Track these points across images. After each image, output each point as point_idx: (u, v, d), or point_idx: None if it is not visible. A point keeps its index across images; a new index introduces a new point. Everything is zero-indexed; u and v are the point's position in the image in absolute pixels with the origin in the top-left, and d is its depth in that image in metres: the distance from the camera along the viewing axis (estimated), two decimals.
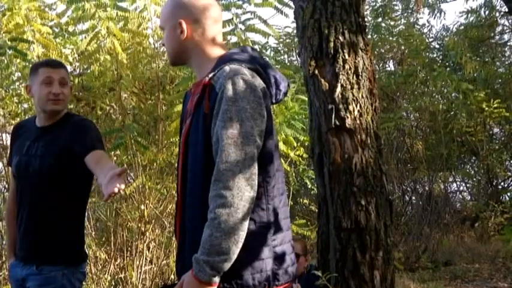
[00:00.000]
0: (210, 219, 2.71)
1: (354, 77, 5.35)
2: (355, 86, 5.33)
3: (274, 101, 3.05)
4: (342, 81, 5.30)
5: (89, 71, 7.49)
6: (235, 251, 2.71)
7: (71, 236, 4.21)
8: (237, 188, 2.69)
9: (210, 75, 2.92)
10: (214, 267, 2.69)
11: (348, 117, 5.24)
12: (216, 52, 3.07)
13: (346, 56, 5.37)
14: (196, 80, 3.18)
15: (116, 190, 3.31)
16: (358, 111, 5.28)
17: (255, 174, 2.76)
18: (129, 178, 7.93)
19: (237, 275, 2.81)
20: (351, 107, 5.26)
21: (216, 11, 3.14)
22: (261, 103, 2.85)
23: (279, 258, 2.92)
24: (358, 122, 5.27)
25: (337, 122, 5.24)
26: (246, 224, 2.73)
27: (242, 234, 2.72)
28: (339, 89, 5.27)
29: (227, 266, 2.72)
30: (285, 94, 3.14)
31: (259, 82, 2.91)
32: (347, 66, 5.35)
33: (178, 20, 3.07)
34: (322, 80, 5.36)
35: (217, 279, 2.73)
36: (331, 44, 5.37)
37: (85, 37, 7.42)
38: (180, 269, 3.04)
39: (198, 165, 2.91)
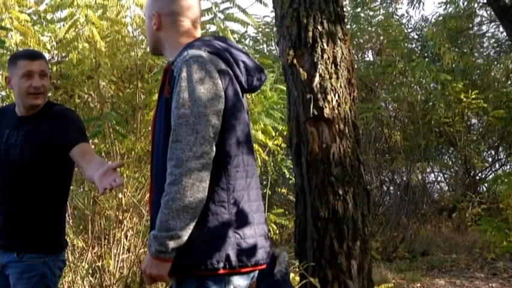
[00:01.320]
0: (162, 196, 2.77)
1: (333, 66, 5.37)
2: (334, 76, 5.35)
3: (247, 87, 3.04)
4: (321, 70, 5.32)
5: (67, 59, 7.43)
6: (185, 229, 2.75)
7: (52, 224, 4.20)
8: (186, 167, 2.72)
9: (171, 60, 2.95)
10: (161, 243, 2.75)
11: (326, 107, 5.26)
12: (183, 43, 3.08)
13: (325, 46, 5.39)
14: None
15: (113, 186, 3.36)
16: (337, 101, 5.30)
17: (207, 153, 2.77)
18: None
19: (195, 251, 2.83)
20: (329, 97, 5.28)
21: (191, 3, 3.14)
22: (216, 83, 2.86)
23: (244, 240, 2.92)
24: (336, 111, 5.29)
25: (315, 112, 5.26)
26: (198, 203, 2.76)
27: (193, 213, 2.75)
28: (317, 79, 5.29)
29: (175, 243, 2.76)
30: (260, 81, 3.13)
31: (217, 64, 2.91)
32: (325, 56, 5.37)
33: (153, 11, 3.11)
34: (301, 70, 5.38)
35: (167, 256, 2.78)
36: (310, 34, 5.39)
37: (63, 25, 7.36)
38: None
39: (160, 149, 2.94)
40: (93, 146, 7.34)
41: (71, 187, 6.86)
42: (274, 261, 3.08)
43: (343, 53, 5.47)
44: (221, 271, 2.85)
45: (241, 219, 2.93)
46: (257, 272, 3.00)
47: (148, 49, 7.69)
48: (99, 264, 7.01)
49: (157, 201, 2.88)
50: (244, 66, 3.02)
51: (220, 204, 2.87)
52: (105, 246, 7.12)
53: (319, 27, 5.42)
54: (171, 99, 2.86)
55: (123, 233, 7.08)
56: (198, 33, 3.18)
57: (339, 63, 5.39)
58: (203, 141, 2.76)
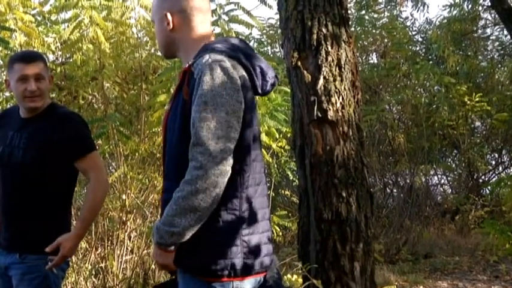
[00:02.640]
0: (175, 191, 2.78)
1: (337, 69, 5.38)
2: (338, 78, 5.35)
3: (261, 92, 3.04)
4: (325, 73, 5.33)
5: (71, 60, 7.45)
6: (188, 229, 2.76)
7: (54, 225, 4.19)
8: (204, 170, 2.72)
9: (190, 62, 2.93)
10: (161, 236, 2.80)
11: (330, 109, 5.26)
12: (202, 41, 3.06)
13: (329, 48, 5.40)
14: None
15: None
16: (341, 103, 5.30)
17: (226, 159, 2.76)
18: (111, 168, 7.93)
19: (202, 256, 2.86)
20: (333, 99, 5.29)
21: (202, 1, 3.12)
22: (238, 90, 2.85)
23: (250, 248, 2.92)
24: (340, 114, 5.29)
25: (319, 114, 5.26)
26: (207, 208, 2.76)
27: (200, 215, 2.75)
28: (321, 81, 5.30)
29: (174, 239, 2.79)
30: (273, 85, 3.12)
31: (238, 71, 2.91)
32: (330, 58, 5.37)
33: (164, 12, 3.07)
34: (305, 72, 5.38)
35: (167, 248, 2.84)
36: (314, 36, 5.39)
37: (68, 26, 7.38)
38: None
39: (173, 150, 2.95)
40: (97, 148, 7.39)
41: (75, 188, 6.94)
42: (272, 258, 3.08)
43: (347, 56, 5.48)
44: (225, 279, 2.86)
45: (250, 228, 2.94)
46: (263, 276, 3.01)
47: (153, 50, 7.78)
48: (103, 265, 7.02)
49: (167, 201, 2.89)
50: (261, 71, 3.02)
51: (232, 212, 2.88)
52: (109, 248, 7.13)
53: (323, 30, 5.43)
54: (189, 101, 2.85)
55: (126, 234, 7.10)
56: (210, 30, 3.17)
57: (343, 66, 5.40)
58: (224, 147, 2.76)
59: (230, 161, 2.78)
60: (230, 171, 2.79)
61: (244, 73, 2.94)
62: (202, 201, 2.73)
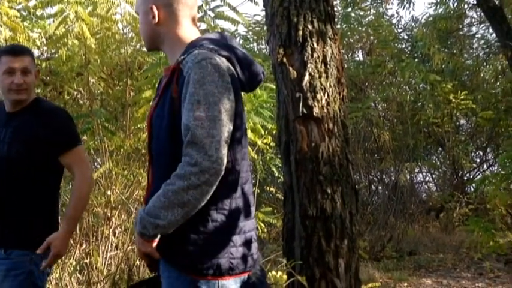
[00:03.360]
0: (164, 183, 2.77)
1: (322, 65, 5.38)
2: (323, 75, 5.35)
3: (247, 88, 3.05)
4: (310, 69, 5.32)
5: (56, 55, 7.42)
6: (172, 224, 2.76)
7: (40, 221, 4.17)
8: (199, 167, 2.70)
9: (179, 59, 2.91)
10: (145, 226, 2.79)
11: (315, 105, 5.26)
12: (189, 37, 3.05)
13: (315, 45, 5.39)
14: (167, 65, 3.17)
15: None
16: (326, 100, 5.30)
17: (221, 159, 2.75)
18: (95, 164, 7.91)
19: (189, 254, 2.84)
20: (318, 96, 5.28)
21: None
22: (229, 88, 2.84)
23: (237, 248, 2.92)
24: (325, 110, 5.29)
25: (305, 111, 5.26)
26: (195, 205, 2.75)
27: (187, 211, 2.74)
28: (306, 78, 5.30)
29: (157, 231, 2.80)
30: (259, 82, 3.13)
31: (228, 67, 2.90)
32: (315, 55, 5.37)
33: (150, 5, 3.05)
34: (291, 68, 5.38)
35: (149, 238, 2.85)
36: (300, 32, 5.39)
37: (53, 21, 7.35)
38: None
39: (161, 147, 2.94)
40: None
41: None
42: (257, 256, 3.07)
43: (333, 52, 5.48)
44: (210, 277, 2.85)
45: (237, 228, 2.93)
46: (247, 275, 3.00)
47: (138, 46, 7.76)
48: (87, 261, 7.00)
49: None
50: (247, 68, 3.02)
51: (222, 212, 2.87)
52: (93, 243, 7.12)
53: (309, 26, 5.42)
54: (178, 98, 2.84)
55: (111, 230, 7.08)
56: (196, 26, 3.15)
57: (328, 62, 5.40)
58: (218, 145, 2.74)
59: (225, 160, 2.78)
60: (223, 171, 2.78)
61: (233, 70, 2.93)
62: (192, 197, 2.72)
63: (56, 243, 4.05)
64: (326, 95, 5.31)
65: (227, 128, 2.80)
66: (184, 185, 2.70)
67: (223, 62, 2.89)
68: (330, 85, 5.36)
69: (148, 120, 3.07)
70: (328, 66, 5.39)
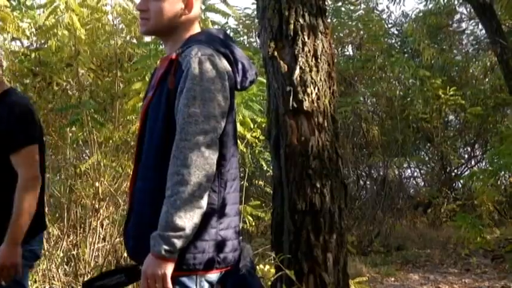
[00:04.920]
0: (167, 196, 2.74)
1: (313, 59, 5.36)
2: (314, 69, 5.34)
3: (239, 87, 3.02)
4: (301, 63, 5.31)
5: (46, 45, 7.41)
6: (191, 228, 2.73)
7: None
8: (194, 166, 2.71)
9: (178, 51, 2.91)
10: (169, 243, 2.71)
11: (305, 99, 5.25)
12: (192, 31, 3.05)
13: (306, 39, 5.38)
14: (164, 55, 3.15)
15: None
16: (316, 94, 5.29)
17: (213, 154, 2.77)
18: (84, 155, 7.90)
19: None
20: (309, 90, 5.27)
21: None
22: (225, 85, 2.85)
23: (222, 242, 2.92)
24: (315, 104, 5.28)
25: (295, 105, 5.24)
26: (202, 202, 2.75)
27: (198, 212, 2.74)
28: (297, 71, 5.28)
29: (182, 242, 2.73)
30: (252, 82, 3.11)
31: (225, 65, 2.90)
32: (306, 49, 5.36)
33: None
34: (281, 62, 5.36)
35: (173, 256, 2.75)
36: (291, 26, 5.37)
37: (43, 11, 7.33)
38: (125, 239, 3.10)
39: (155, 139, 2.91)
40: (70, 134, 7.37)
41: (47, 175, 6.90)
42: (238, 254, 3.07)
43: (323, 47, 5.46)
44: (193, 272, 2.85)
45: (223, 223, 2.93)
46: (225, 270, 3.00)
47: (128, 38, 7.75)
48: (74, 252, 7.00)
49: (142, 190, 2.90)
50: (242, 67, 3.00)
51: (210, 206, 2.85)
52: (81, 235, 7.11)
53: (300, 20, 5.41)
54: (174, 90, 2.83)
55: (99, 222, 7.08)
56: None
57: (319, 57, 5.38)
58: (211, 142, 2.75)
59: (216, 155, 2.79)
60: (215, 166, 2.79)
61: (229, 68, 2.93)
62: (199, 197, 2.73)
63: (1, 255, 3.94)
64: (316, 89, 5.30)
65: (220, 125, 2.82)
66: (187, 189, 2.70)
67: (221, 60, 2.90)
68: (321, 79, 5.35)
69: (143, 111, 3.04)
70: (319, 60, 5.38)
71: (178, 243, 2.72)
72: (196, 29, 3.09)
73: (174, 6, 3.02)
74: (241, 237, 3.12)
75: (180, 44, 3.00)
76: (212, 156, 2.76)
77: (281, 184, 5.33)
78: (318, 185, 5.17)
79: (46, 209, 6.86)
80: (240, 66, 3.00)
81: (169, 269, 2.76)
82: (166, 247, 2.72)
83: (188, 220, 2.71)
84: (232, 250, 2.98)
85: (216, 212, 2.90)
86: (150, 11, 3.04)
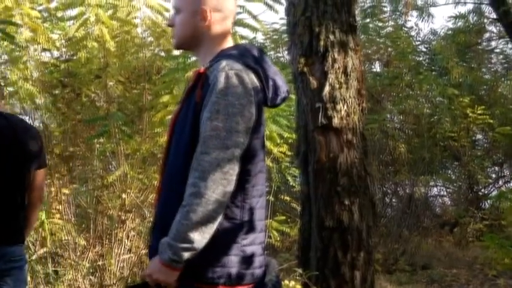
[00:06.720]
0: (181, 206, 2.72)
1: (343, 76, 5.37)
2: (344, 86, 5.34)
3: (269, 104, 2.99)
4: (331, 80, 5.31)
5: (75, 57, 7.46)
6: (201, 242, 2.71)
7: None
8: (211, 180, 2.68)
9: (207, 65, 2.90)
10: (175, 253, 2.70)
11: (335, 116, 5.25)
12: (224, 44, 3.04)
13: (336, 55, 5.38)
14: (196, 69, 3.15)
15: None
16: (346, 110, 5.29)
17: (233, 169, 2.73)
18: (111, 167, 7.92)
19: (199, 263, 2.80)
20: (338, 107, 5.27)
21: (234, 3, 3.10)
22: (251, 101, 2.81)
23: (247, 258, 2.90)
24: (345, 121, 5.28)
25: (324, 121, 5.24)
26: (217, 218, 2.72)
27: (211, 227, 2.71)
28: (327, 88, 5.29)
29: (189, 255, 2.71)
30: (283, 100, 3.08)
31: (253, 81, 2.87)
32: (336, 66, 5.36)
33: (202, 6, 3.00)
34: (311, 78, 5.37)
35: (179, 265, 2.73)
36: (322, 43, 5.38)
37: (73, 23, 7.38)
38: (149, 251, 3.07)
39: (180, 151, 2.90)
40: (98, 146, 7.42)
41: (74, 185, 6.95)
42: (264, 270, 3.05)
43: (353, 63, 5.46)
44: (220, 287, 2.83)
45: (248, 238, 2.91)
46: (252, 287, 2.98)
47: (157, 51, 7.78)
48: (100, 263, 7.01)
49: (167, 204, 2.88)
50: (274, 84, 2.97)
51: (232, 221, 2.84)
52: (107, 246, 7.12)
53: (330, 37, 5.41)
54: (201, 103, 2.82)
55: (125, 233, 7.09)
56: (230, 34, 3.14)
57: (349, 73, 5.39)
58: (232, 157, 2.72)
59: (237, 171, 2.75)
60: (235, 181, 2.76)
61: (258, 84, 2.90)
62: (213, 212, 2.69)
63: None
64: (346, 105, 5.30)
65: (243, 140, 2.78)
66: (201, 202, 2.68)
67: (248, 75, 2.86)
68: (350, 96, 5.35)
69: (171, 124, 3.04)
70: (348, 77, 5.38)
71: (185, 254, 2.71)
72: (228, 43, 3.07)
73: (191, 18, 3.02)
74: (266, 252, 3.10)
75: (210, 57, 2.99)
76: (232, 171, 2.73)
77: (309, 200, 5.33)
78: (346, 202, 5.17)
79: (73, 219, 6.97)
80: (271, 83, 2.96)
81: (173, 276, 2.76)
82: (172, 256, 2.71)
83: (199, 234, 2.69)
84: (258, 266, 2.95)
85: (239, 227, 2.88)
86: (176, 25, 3.08)
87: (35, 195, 4.54)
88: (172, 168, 2.95)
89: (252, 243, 2.93)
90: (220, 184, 2.69)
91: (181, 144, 2.90)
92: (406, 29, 15.48)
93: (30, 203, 4.54)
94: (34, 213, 4.64)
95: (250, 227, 2.92)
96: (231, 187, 2.73)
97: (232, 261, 2.85)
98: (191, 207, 2.68)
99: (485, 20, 15.27)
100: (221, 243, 2.82)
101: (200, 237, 2.69)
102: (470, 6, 15.23)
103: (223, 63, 2.84)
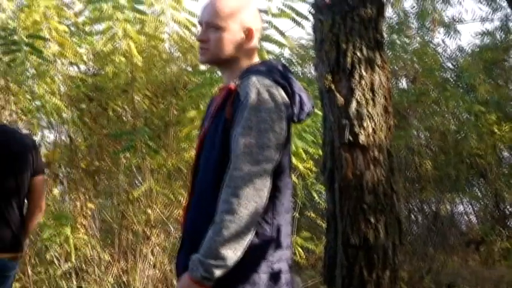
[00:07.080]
0: (214, 222, 2.71)
1: (370, 93, 5.34)
2: (371, 103, 5.31)
3: (296, 119, 3.00)
4: (358, 96, 5.29)
5: (103, 71, 7.50)
6: (233, 259, 2.69)
7: None
8: (244, 197, 2.67)
9: (237, 82, 2.90)
10: (207, 270, 2.68)
11: (361, 133, 5.22)
12: (252, 60, 3.06)
13: (363, 72, 5.36)
14: (222, 84, 3.16)
15: None
16: (372, 128, 5.26)
17: (266, 186, 2.73)
18: (136, 182, 7.94)
19: (229, 283, 2.78)
20: (365, 123, 5.24)
21: (261, 19, 3.16)
22: (282, 117, 2.82)
23: (275, 275, 2.88)
24: (371, 138, 5.25)
25: (351, 138, 5.22)
26: (249, 235, 2.72)
27: (243, 243, 2.70)
28: (354, 105, 5.26)
29: (221, 272, 2.69)
30: (309, 115, 3.08)
31: (283, 96, 2.88)
32: (363, 82, 5.33)
33: (247, 25, 3.02)
34: (338, 95, 5.34)
35: (210, 283, 2.71)
36: (349, 59, 5.35)
37: (101, 38, 7.43)
38: (176, 267, 3.07)
39: (210, 167, 2.90)
40: (124, 161, 7.44)
41: (99, 200, 6.97)
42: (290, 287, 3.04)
43: (381, 80, 5.44)
44: None
45: (276, 255, 2.90)
46: None
47: (184, 66, 7.80)
48: (125, 279, 7.01)
49: (196, 220, 2.88)
50: (300, 100, 2.98)
51: (262, 238, 2.84)
52: (131, 261, 7.12)
53: (358, 53, 5.39)
54: (231, 120, 2.82)
55: (149, 249, 7.09)
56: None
57: (376, 90, 5.36)
58: (264, 173, 2.72)
59: (268, 187, 2.75)
60: (267, 198, 2.75)
61: (287, 100, 2.91)
62: (246, 228, 2.68)
63: None
64: (373, 123, 5.27)
65: (274, 156, 2.78)
66: (234, 219, 2.66)
67: (278, 90, 2.87)
68: (377, 113, 5.32)
69: (199, 140, 3.04)
70: (375, 94, 5.35)
71: (217, 272, 2.69)
72: (255, 58, 3.09)
73: (235, 36, 3.02)
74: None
75: (238, 73, 2.99)
76: (264, 188, 2.73)
77: (335, 218, 5.29)
78: (372, 220, 5.13)
79: (98, 234, 6.98)
80: (297, 98, 2.97)
81: None
82: (204, 273, 2.69)
83: (231, 251, 2.68)
84: (284, 284, 2.94)
85: (268, 244, 2.87)
86: (211, 41, 3.03)
87: (33, 204, 4.59)
88: (201, 185, 2.95)
89: (279, 260, 2.91)
90: (252, 200, 2.69)
91: (211, 160, 2.89)
92: (433, 45, 15.43)
93: (29, 212, 4.59)
94: (32, 222, 4.68)
95: (278, 244, 2.91)
96: (263, 203, 2.73)
97: (261, 279, 2.84)
98: (224, 224, 2.67)
99: None
100: (250, 260, 2.80)
101: (232, 254, 2.68)
102: (497, 23, 15.16)
103: (253, 79, 2.84)
